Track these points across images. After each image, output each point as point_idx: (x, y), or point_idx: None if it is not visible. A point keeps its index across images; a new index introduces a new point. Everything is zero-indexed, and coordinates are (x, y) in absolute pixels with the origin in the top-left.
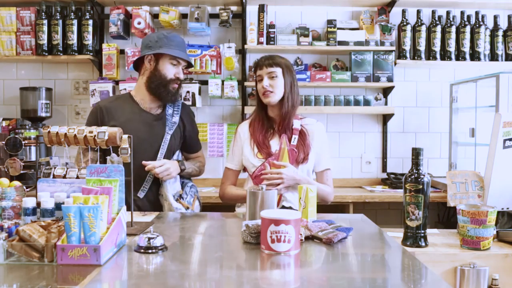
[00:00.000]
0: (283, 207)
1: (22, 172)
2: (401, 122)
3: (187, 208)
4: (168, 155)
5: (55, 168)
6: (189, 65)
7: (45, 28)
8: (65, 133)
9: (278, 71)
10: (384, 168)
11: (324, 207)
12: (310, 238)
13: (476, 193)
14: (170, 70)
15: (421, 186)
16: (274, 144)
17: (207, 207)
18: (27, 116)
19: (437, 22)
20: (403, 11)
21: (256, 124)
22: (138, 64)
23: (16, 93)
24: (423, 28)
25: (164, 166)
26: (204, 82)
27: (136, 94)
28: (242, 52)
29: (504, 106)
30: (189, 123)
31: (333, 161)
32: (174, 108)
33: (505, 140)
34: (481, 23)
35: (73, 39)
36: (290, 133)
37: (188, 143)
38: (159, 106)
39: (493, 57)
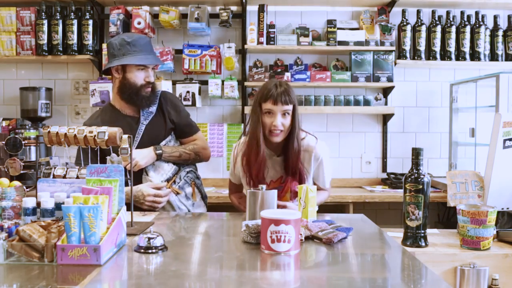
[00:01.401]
0: None
1: (22, 172)
2: (401, 122)
3: (177, 193)
4: (151, 145)
5: (55, 168)
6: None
7: (45, 28)
8: (65, 133)
9: (291, 108)
10: (384, 168)
11: (324, 207)
12: (310, 238)
13: (476, 193)
14: (138, 77)
15: (421, 186)
16: (271, 174)
17: (208, 207)
18: (27, 116)
19: (437, 22)
20: (403, 11)
21: (250, 157)
22: (108, 72)
23: (16, 93)
24: (423, 28)
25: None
26: (204, 82)
27: (114, 102)
28: (242, 52)
29: (504, 106)
30: (172, 108)
31: (333, 161)
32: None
33: (505, 140)
34: (481, 23)
35: (73, 39)
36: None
37: (177, 128)
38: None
39: (493, 57)
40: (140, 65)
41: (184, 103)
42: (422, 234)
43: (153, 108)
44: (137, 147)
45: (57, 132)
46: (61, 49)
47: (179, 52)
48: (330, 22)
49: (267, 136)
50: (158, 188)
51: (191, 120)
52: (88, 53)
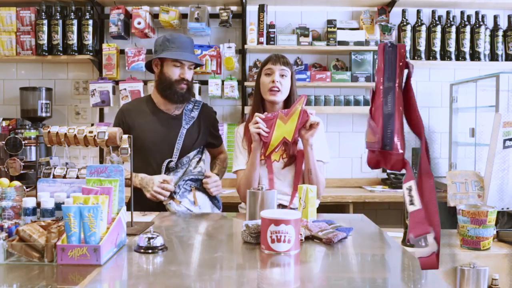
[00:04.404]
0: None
1: (22, 172)
2: None
3: (179, 203)
4: (186, 151)
5: (55, 168)
6: (198, 64)
7: (45, 28)
8: (65, 133)
9: (288, 72)
10: (384, 168)
11: (324, 207)
12: (310, 238)
13: (476, 193)
14: (174, 72)
15: None
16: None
17: None
18: (27, 116)
19: (437, 22)
20: (403, 11)
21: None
22: (149, 68)
23: (16, 93)
24: (423, 28)
25: (218, 182)
26: (204, 82)
27: (154, 96)
28: (242, 52)
29: (504, 106)
30: (213, 128)
31: (333, 160)
32: (195, 105)
33: (505, 140)
34: (481, 23)
35: (73, 39)
36: None
37: (210, 138)
38: (176, 107)
39: (493, 57)
40: (176, 62)
41: None
42: None
43: (195, 114)
44: (180, 150)
45: (57, 132)
46: (61, 49)
47: None
48: (330, 22)
49: (267, 97)
50: (167, 181)
51: (219, 132)
52: (88, 53)
